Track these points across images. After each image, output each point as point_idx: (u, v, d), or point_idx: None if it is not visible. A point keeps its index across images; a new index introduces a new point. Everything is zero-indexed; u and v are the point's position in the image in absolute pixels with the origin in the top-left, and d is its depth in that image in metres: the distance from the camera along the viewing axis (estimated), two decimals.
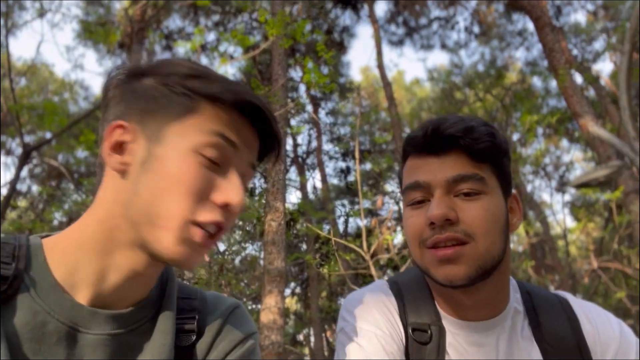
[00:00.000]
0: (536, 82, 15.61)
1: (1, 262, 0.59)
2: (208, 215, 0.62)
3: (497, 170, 0.83)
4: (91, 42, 12.25)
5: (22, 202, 13.53)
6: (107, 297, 0.63)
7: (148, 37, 11.66)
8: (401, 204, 0.92)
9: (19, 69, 11.85)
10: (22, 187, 13.14)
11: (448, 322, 0.86)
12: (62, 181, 13.69)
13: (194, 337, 0.68)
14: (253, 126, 0.67)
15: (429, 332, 0.84)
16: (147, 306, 0.67)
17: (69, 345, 0.59)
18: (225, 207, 0.63)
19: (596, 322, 0.87)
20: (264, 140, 0.70)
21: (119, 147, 0.63)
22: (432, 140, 0.81)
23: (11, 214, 11.72)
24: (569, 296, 0.93)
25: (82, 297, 0.62)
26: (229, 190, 0.63)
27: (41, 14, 9.26)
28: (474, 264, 0.78)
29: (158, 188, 0.61)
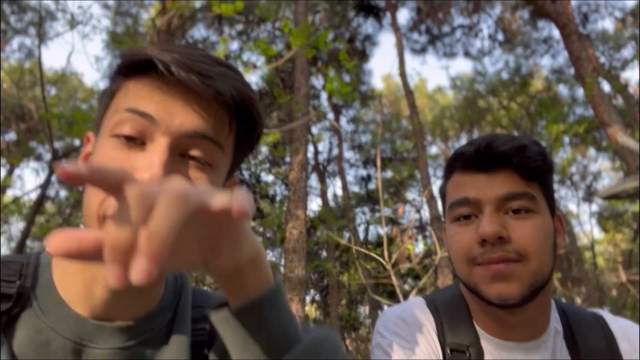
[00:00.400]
0: (562, 90, 15.34)
1: (6, 281, 0.57)
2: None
3: (546, 189, 0.83)
4: (119, 52, 12.55)
5: (50, 207, 13.90)
6: (117, 307, 0.60)
7: None
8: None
9: (50, 78, 12.22)
10: (50, 192, 13.50)
11: (488, 342, 0.84)
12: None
13: (206, 350, 0.65)
14: (196, 90, 0.56)
15: (468, 353, 0.82)
16: (158, 316, 0.63)
17: None
18: None
19: (633, 340, 0.85)
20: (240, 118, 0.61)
21: (88, 158, 0.62)
22: (483, 156, 0.80)
23: (39, 219, 12.04)
24: (605, 314, 0.91)
25: (89, 311, 0.59)
26: (142, 165, 0.53)
27: (72, 25, 9.55)
28: (526, 282, 0.76)
29: (86, 187, 0.55)
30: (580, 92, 12.97)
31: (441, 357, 0.84)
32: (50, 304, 0.58)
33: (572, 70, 10.42)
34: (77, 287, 0.59)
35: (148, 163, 0.52)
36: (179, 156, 0.56)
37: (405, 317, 0.89)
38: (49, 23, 10.56)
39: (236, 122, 0.60)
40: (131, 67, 0.57)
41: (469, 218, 0.81)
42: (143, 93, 0.56)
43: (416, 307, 0.91)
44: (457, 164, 0.84)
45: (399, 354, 0.83)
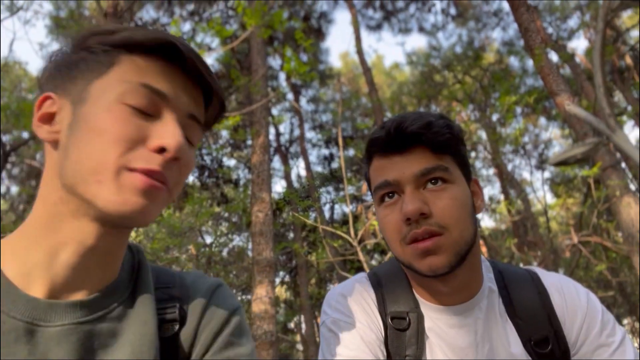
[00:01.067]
0: (513, 62, 15.76)
1: None
2: (142, 162, 0.58)
3: (458, 159, 0.88)
4: (64, 38, 11.95)
5: (2, 204, 13.27)
6: (65, 283, 0.60)
7: None
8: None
9: None
10: (1, 189, 12.86)
11: (427, 308, 0.90)
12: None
13: (176, 327, 0.65)
14: (188, 76, 0.64)
15: (407, 319, 0.89)
16: (116, 291, 0.64)
17: (29, 341, 0.56)
18: (161, 152, 0.59)
19: (564, 293, 0.92)
20: (206, 92, 0.67)
21: (48, 119, 0.62)
22: (395, 139, 0.86)
23: None
24: (538, 270, 0.98)
25: (38, 289, 0.59)
26: (163, 133, 0.59)
27: (12, 11, 9.00)
28: (452, 252, 0.82)
29: (85, 144, 0.58)
30: (530, 63, 13.37)
31: (382, 327, 0.90)
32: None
33: (522, 42, 10.71)
34: (19, 269, 0.59)
35: (170, 130, 0.59)
36: None
37: (345, 293, 0.95)
38: None
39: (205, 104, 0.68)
40: (145, 46, 0.61)
41: (393, 197, 0.87)
42: (156, 72, 0.61)
43: (357, 283, 0.97)
44: (374, 148, 0.90)
45: (340, 329, 0.89)
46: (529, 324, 0.88)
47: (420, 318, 0.89)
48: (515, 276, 0.95)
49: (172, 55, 0.62)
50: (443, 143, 0.85)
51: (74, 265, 0.60)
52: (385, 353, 0.88)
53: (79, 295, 0.60)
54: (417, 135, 0.84)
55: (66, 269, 0.59)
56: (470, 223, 0.86)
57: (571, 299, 0.91)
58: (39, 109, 0.62)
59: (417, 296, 0.92)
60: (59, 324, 0.58)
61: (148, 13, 12.84)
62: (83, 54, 0.62)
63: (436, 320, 0.89)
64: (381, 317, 0.91)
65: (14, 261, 0.59)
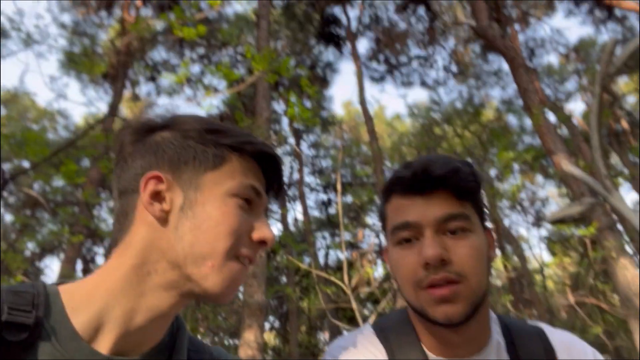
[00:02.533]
0: (512, 119, 16.12)
1: (21, 310, 0.60)
2: (247, 251, 0.68)
3: (478, 207, 0.88)
4: (75, 73, 12.25)
5: None
6: (128, 342, 0.65)
7: (133, 68, 11.72)
8: (382, 237, 0.94)
9: (1, 98, 11.73)
10: None
11: None
12: (37, 210, 13.37)
13: None
14: (263, 171, 0.75)
15: None
16: (160, 353, 0.70)
17: None
18: (262, 244, 0.70)
19: (572, 352, 0.90)
20: (269, 182, 0.77)
21: (156, 196, 0.67)
22: (421, 180, 0.84)
23: None
24: (545, 326, 0.96)
25: (102, 344, 0.64)
26: (264, 228, 0.70)
27: (27, 44, 9.26)
28: (468, 301, 0.81)
29: (201, 230, 0.66)
30: (528, 122, 13.65)
31: None
32: (64, 335, 0.62)
33: (520, 101, 11.00)
34: (89, 321, 0.63)
35: (268, 227, 0.71)
36: None
37: (350, 345, 0.92)
38: (2, 41, 10.20)
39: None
40: (247, 150, 0.72)
41: (410, 241, 0.84)
42: (256, 174, 0.72)
43: (362, 335, 0.94)
44: (396, 187, 0.88)
45: None
46: None
47: None
48: (522, 331, 0.93)
49: (266, 160, 0.74)
50: (467, 190, 0.84)
51: (144, 328, 0.65)
52: None
53: (133, 354, 0.66)
54: (444, 179, 0.83)
55: (137, 330, 0.65)
56: (486, 274, 0.85)
57: (578, 357, 0.90)
58: (146, 185, 0.67)
59: (425, 349, 0.89)
60: None
61: (160, 54, 13.24)
62: (193, 143, 0.70)
63: None
64: None
65: (85, 312, 0.64)
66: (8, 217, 13.85)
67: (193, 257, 0.64)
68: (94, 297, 0.65)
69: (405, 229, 0.85)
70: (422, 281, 0.81)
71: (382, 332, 0.93)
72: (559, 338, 0.93)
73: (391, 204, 0.89)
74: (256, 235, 0.69)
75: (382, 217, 0.93)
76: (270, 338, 15.34)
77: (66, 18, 12.03)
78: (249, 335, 5.77)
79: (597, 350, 0.95)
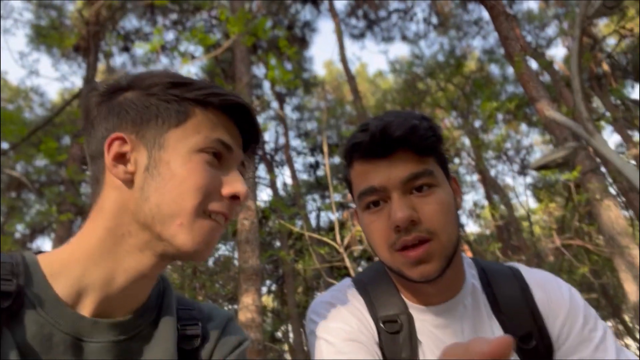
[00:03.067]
0: (494, 69, 16.04)
1: (2, 279, 0.61)
2: (217, 206, 0.67)
3: (440, 160, 0.87)
4: (45, 47, 11.81)
5: None
6: (110, 304, 0.66)
7: (104, 39, 11.33)
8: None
9: None
10: None
11: (414, 310, 0.90)
12: (22, 192, 13.20)
13: (198, 342, 0.73)
14: (236, 125, 0.72)
15: (399, 321, 0.88)
16: (146, 313, 0.71)
17: (75, 353, 0.63)
18: (232, 199, 0.68)
19: (547, 288, 0.93)
20: (245, 136, 0.75)
21: (121, 158, 0.66)
22: (380, 144, 0.83)
23: None
24: (520, 267, 0.98)
25: (85, 308, 0.65)
26: (234, 182, 0.68)
27: None
28: (441, 257, 0.82)
29: (166, 189, 0.65)
30: (510, 70, 13.61)
31: (375, 331, 0.88)
32: (47, 301, 0.63)
33: (502, 50, 10.91)
34: (71, 286, 0.64)
35: (239, 181, 0.68)
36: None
37: (332, 300, 0.94)
38: None
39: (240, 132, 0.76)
40: (219, 105, 0.69)
41: (379, 204, 0.84)
42: (225, 127, 0.70)
43: (343, 289, 0.96)
44: (356, 153, 0.86)
45: (332, 335, 0.87)
46: (512, 320, 0.88)
47: (411, 320, 0.88)
48: (497, 273, 0.95)
49: (234, 110, 0.71)
50: (428, 146, 0.83)
51: (125, 290, 0.66)
52: (380, 355, 0.87)
53: (117, 316, 0.67)
54: (403, 140, 0.82)
55: (118, 292, 0.66)
56: (456, 224, 0.85)
57: (554, 295, 0.91)
58: (110, 147, 0.66)
59: (404, 298, 0.92)
60: (100, 340, 0.64)
61: (131, 22, 12.78)
62: (152, 100, 0.68)
63: (423, 322, 0.89)
64: (373, 321, 0.90)
65: (66, 278, 0.64)
66: None
67: (161, 216, 0.64)
68: (72, 262, 0.65)
69: (371, 194, 0.84)
70: (395, 243, 0.82)
71: (362, 285, 0.96)
72: (534, 276, 0.95)
73: (354, 170, 0.88)
74: (226, 190, 0.68)
75: (347, 183, 0.93)
76: (269, 301, 15.65)
77: None
78: (247, 299, 5.88)
79: (584, 288, 0.97)
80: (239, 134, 0.73)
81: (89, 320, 0.64)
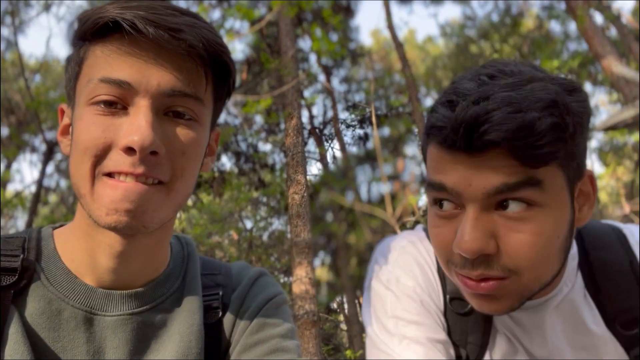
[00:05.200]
0: (554, 26, 15.03)
1: (9, 255, 0.59)
2: (112, 165, 0.55)
3: (564, 162, 0.59)
4: (78, 16, 12.23)
5: (52, 197, 13.92)
6: (110, 281, 0.62)
7: None
8: (423, 167, 0.78)
9: (32, 67, 11.98)
10: (50, 182, 13.46)
11: None
12: None
13: (220, 314, 0.67)
14: (169, 48, 0.55)
15: (468, 304, 0.72)
16: (166, 282, 0.66)
17: (88, 329, 0.59)
18: (128, 151, 0.54)
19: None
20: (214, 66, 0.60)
21: (66, 131, 0.63)
22: (466, 138, 0.57)
23: (44, 210, 12.07)
24: (623, 227, 0.77)
25: (96, 279, 0.62)
26: (129, 130, 0.54)
27: (46, 7, 9.28)
28: (517, 296, 0.63)
29: (71, 158, 0.58)
30: (572, 26, 12.72)
31: (442, 300, 0.76)
32: (57, 275, 0.60)
33: (562, 5, 10.17)
34: (81, 256, 0.61)
35: (135, 126, 0.53)
36: (163, 115, 0.56)
37: (406, 248, 0.80)
38: (24, 10, 10.25)
39: (211, 71, 0.60)
40: (95, 31, 0.56)
41: (448, 204, 0.64)
42: (113, 59, 0.54)
43: (418, 239, 0.81)
44: (433, 136, 0.62)
45: (399, 288, 0.75)
46: (614, 302, 0.71)
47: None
48: (598, 239, 0.74)
49: (137, 30, 0.53)
50: (542, 155, 0.56)
51: (113, 268, 0.61)
52: (446, 326, 0.74)
53: (133, 286, 0.63)
54: (503, 142, 0.56)
55: (107, 270, 0.61)
56: (557, 258, 0.62)
57: None
58: (60, 122, 0.63)
59: None
60: (115, 313, 0.60)
61: (179, 3, 12.98)
62: (72, 51, 0.60)
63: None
64: (442, 292, 0.76)
65: (77, 249, 0.62)
66: (63, 183, 14.60)
67: (76, 188, 0.57)
68: (78, 233, 0.62)
69: (439, 191, 0.62)
70: (456, 265, 0.63)
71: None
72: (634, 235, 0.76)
73: (430, 150, 0.65)
74: (120, 144, 0.54)
75: (423, 155, 0.70)
76: (323, 273, 15.91)
77: None
78: (300, 272, 5.98)
79: None
80: (174, 55, 0.55)
81: (101, 292, 0.61)
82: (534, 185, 0.57)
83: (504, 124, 0.54)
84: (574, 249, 0.74)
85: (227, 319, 0.68)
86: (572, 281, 0.72)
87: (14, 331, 0.54)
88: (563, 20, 13.75)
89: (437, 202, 0.65)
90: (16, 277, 0.57)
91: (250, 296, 0.71)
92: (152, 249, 0.64)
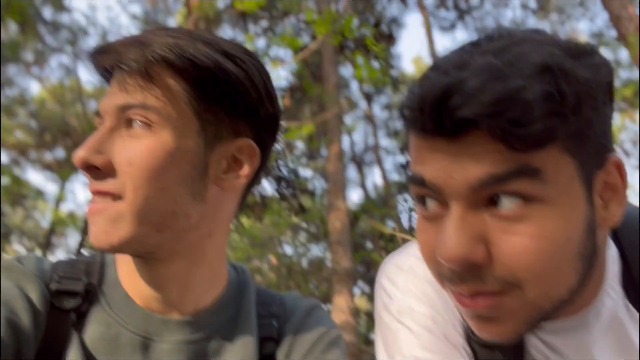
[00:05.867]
0: (605, 53, 14.60)
1: (72, 279, 0.60)
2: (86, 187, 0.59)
3: (571, 144, 0.46)
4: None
5: None
6: (174, 301, 0.62)
7: None
8: None
9: (89, 93, 12.67)
10: None
11: None
12: None
13: (274, 346, 0.66)
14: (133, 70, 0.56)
15: None
16: (221, 310, 0.66)
17: (144, 354, 0.59)
18: (86, 170, 0.56)
19: None
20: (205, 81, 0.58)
21: None
22: (435, 121, 0.45)
23: None
24: None
25: (154, 305, 0.62)
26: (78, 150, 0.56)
27: (103, 38, 9.85)
28: (523, 317, 0.49)
29: None
30: (624, 53, 12.32)
31: (463, 331, 0.62)
32: (117, 299, 0.61)
33: (613, 32, 9.87)
34: (137, 283, 0.61)
35: (81, 147, 0.55)
36: (121, 129, 0.57)
37: (417, 268, 0.65)
38: (82, 39, 10.93)
39: (181, 77, 0.57)
40: (94, 68, 0.62)
41: (432, 202, 0.51)
42: (107, 89, 0.60)
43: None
44: (405, 120, 0.51)
45: (415, 321, 0.62)
46: None
47: None
48: (632, 233, 0.60)
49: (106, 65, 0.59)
50: (531, 136, 0.43)
51: (153, 294, 0.61)
52: (473, 357, 0.61)
53: (185, 313, 0.62)
54: (482, 121, 0.43)
55: (150, 296, 0.61)
56: (573, 269, 0.48)
57: None
58: None
59: None
60: (171, 339, 0.60)
61: (225, 32, 13.49)
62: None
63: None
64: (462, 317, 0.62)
65: (129, 275, 0.62)
66: None
67: None
68: (130, 260, 0.63)
69: (421, 187, 0.50)
70: (445, 277, 0.50)
71: None
72: None
73: (410, 138, 0.52)
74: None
75: (406, 149, 0.57)
76: (363, 302, 15.63)
77: (135, 8, 12.57)
78: (340, 301, 5.87)
79: None
80: (126, 86, 0.57)
81: (157, 318, 0.61)
82: (530, 175, 0.44)
83: (478, 96, 0.42)
84: (613, 250, 0.60)
85: (282, 350, 0.67)
86: (617, 291, 0.58)
87: (74, 354, 0.55)
88: (614, 48, 13.36)
89: (420, 200, 0.52)
90: (79, 300, 0.59)
91: (305, 328, 0.69)
92: (186, 274, 0.61)
